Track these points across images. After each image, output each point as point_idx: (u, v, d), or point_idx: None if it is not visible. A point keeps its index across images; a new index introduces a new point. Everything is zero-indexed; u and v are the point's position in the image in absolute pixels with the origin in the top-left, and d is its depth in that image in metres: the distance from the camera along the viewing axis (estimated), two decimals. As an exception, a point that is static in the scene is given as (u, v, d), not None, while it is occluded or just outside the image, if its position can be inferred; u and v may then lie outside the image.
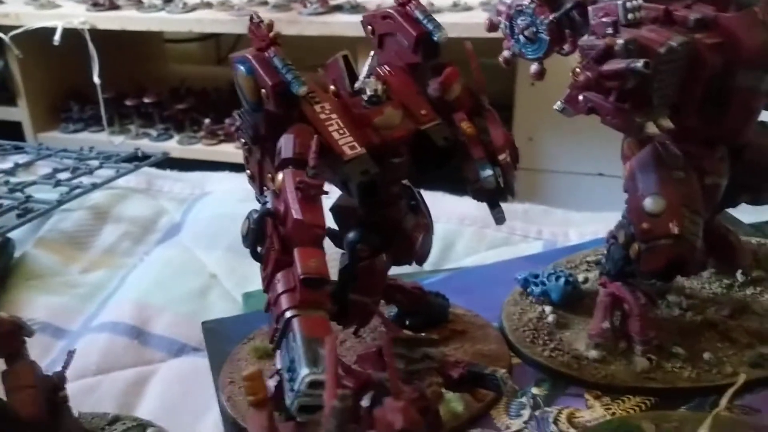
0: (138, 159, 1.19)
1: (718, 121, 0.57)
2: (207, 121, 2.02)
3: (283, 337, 0.43)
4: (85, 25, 1.89)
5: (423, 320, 0.70)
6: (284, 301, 0.43)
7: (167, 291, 0.85)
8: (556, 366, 0.65)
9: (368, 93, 0.51)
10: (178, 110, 2.08)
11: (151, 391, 0.70)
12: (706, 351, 0.64)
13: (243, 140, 0.57)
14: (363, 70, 0.52)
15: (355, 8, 1.76)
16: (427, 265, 0.89)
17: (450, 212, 0.98)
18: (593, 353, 0.65)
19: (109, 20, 1.93)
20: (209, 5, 1.94)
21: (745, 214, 0.84)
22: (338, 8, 1.78)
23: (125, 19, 1.93)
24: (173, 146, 2.01)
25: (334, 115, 0.51)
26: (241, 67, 0.51)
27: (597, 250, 0.79)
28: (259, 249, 0.48)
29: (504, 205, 1.00)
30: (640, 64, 0.50)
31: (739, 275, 0.72)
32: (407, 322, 0.69)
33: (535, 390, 0.64)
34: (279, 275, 0.45)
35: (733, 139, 0.60)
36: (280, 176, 0.48)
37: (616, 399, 0.61)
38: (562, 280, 0.71)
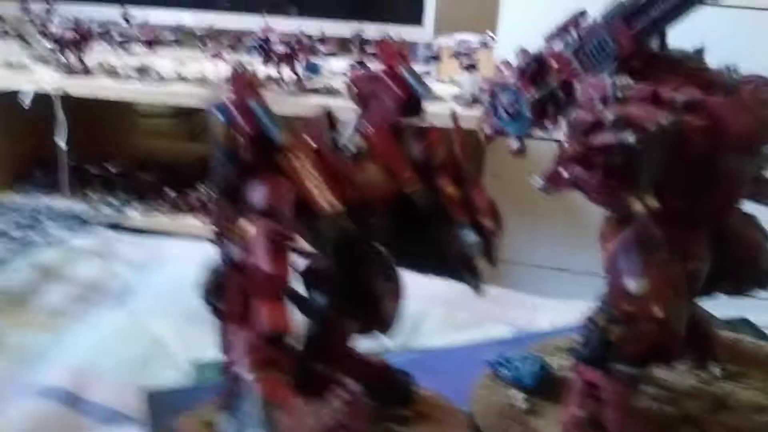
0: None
1: (702, 203, 0.56)
2: (172, 193, 1.99)
3: (235, 399, 0.39)
4: (58, 91, 1.87)
5: (385, 397, 0.65)
6: (243, 361, 0.39)
7: (110, 356, 0.80)
8: (528, 457, 0.61)
9: (351, 149, 0.49)
10: (144, 181, 2.04)
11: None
12: (686, 447, 0.61)
13: (213, 193, 0.54)
14: (347, 128, 0.50)
15: (330, 92, 1.77)
16: (394, 345, 0.87)
17: (418, 292, 0.94)
18: (568, 445, 0.61)
19: (81, 87, 1.90)
20: (184, 80, 1.95)
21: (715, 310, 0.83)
22: (314, 91, 1.79)
23: (97, 87, 1.91)
24: (135, 216, 1.96)
25: (312, 169, 0.48)
26: (219, 114, 0.49)
27: (569, 336, 0.76)
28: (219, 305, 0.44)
29: (474, 290, 0.99)
30: (631, 138, 0.50)
31: (716, 370, 0.70)
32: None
33: (506, 482, 0.59)
34: (238, 332, 0.41)
35: (716, 222, 0.59)
36: (249, 227, 0.45)
37: (591, 498, 0.57)
38: (537, 365, 0.68)
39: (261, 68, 1.81)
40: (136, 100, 2.03)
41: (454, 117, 0.53)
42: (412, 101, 0.52)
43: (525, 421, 0.64)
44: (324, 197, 0.47)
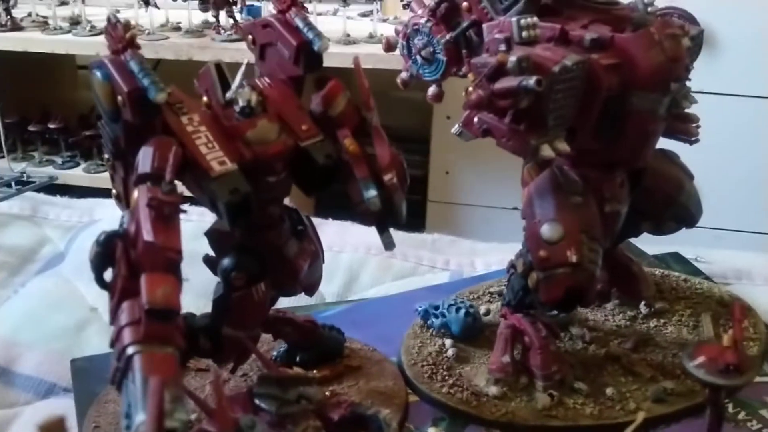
0: (23, 183, 1.10)
1: (616, 145, 0.55)
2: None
3: (124, 378, 0.37)
4: (-14, 47, 1.78)
5: (316, 355, 0.64)
6: (127, 335, 0.38)
7: (39, 326, 0.77)
8: (454, 403, 0.61)
9: (240, 104, 0.46)
10: (86, 137, 1.97)
11: (10, 439, 0.62)
12: (609, 386, 0.61)
13: (107, 156, 0.51)
14: (236, 80, 0.47)
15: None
16: (331, 297, 0.86)
17: (356, 242, 0.93)
18: (493, 389, 0.61)
19: (11, 41, 1.82)
20: (120, 29, 1.86)
21: (649, 245, 0.83)
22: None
23: (28, 41, 1.83)
24: (80, 174, 1.91)
25: (202, 128, 0.46)
26: (97, 73, 0.46)
27: (500, 280, 0.75)
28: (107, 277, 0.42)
29: (413, 235, 0.98)
30: (532, 81, 0.48)
31: (642, 307, 0.70)
32: (298, 358, 0.64)
33: (431, 430, 0.59)
34: (124, 305, 0.39)
35: (631, 163, 0.58)
36: (135, 194, 0.42)
37: (516, 439, 0.58)
38: (462, 311, 0.67)
39: (198, 14, 1.75)
40: (70, 53, 1.94)
41: (356, 63, 0.50)
42: (307, 50, 0.49)
43: (451, 367, 0.64)
44: (214, 156, 0.45)
